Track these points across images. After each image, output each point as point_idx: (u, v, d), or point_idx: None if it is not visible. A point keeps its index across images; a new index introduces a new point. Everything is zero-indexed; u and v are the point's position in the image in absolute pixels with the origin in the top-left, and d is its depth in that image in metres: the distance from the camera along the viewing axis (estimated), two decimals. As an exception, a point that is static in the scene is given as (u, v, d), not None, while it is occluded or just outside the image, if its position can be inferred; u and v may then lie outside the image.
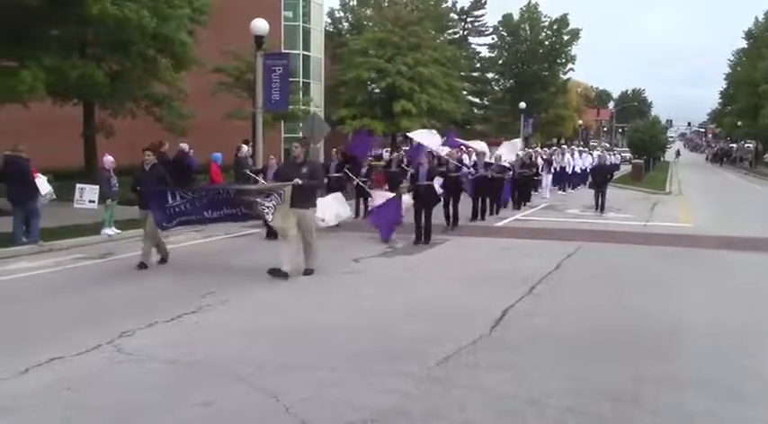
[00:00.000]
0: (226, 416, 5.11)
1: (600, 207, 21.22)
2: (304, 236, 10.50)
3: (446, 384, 5.81)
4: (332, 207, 13.79)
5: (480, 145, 22.19)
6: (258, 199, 10.19)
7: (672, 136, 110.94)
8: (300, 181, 10.18)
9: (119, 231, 14.19)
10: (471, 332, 7.33)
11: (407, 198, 14.63)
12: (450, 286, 10.13)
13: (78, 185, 14.85)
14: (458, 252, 13.66)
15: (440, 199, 14.75)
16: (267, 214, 10.13)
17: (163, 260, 11.45)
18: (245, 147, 18.40)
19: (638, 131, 53.88)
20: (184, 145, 18.62)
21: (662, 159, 67.43)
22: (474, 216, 18.41)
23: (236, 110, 30.57)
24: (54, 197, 14.20)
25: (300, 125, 34.96)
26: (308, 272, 10.49)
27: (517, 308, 8.60)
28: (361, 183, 18.08)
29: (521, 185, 22.92)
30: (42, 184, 13.49)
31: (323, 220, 12.75)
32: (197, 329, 7.56)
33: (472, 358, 6.53)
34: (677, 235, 16.30)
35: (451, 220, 16.64)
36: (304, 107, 36.74)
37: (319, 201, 12.69)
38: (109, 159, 15.04)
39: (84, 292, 9.33)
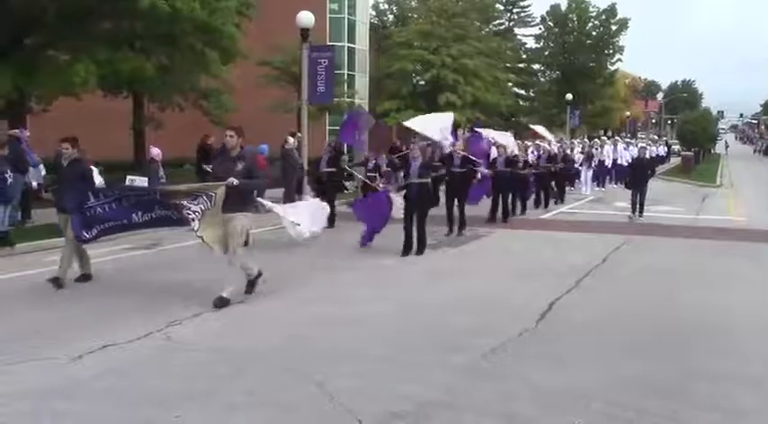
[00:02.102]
0: (273, 404, 5.17)
1: (639, 208, 17.73)
2: (227, 246, 8.25)
3: (492, 377, 5.80)
4: (307, 216, 11.54)
5: (505, 138, 20.50)
6: (184, 202, 8.09)
7: (723, 128, 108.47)
8: (236, 181, 8.05)
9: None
10: (517, 325, 7.30)
11: (398, 199, 12.23)
12: (496, 278, 10.09)
13: (128, 176, 15.13)
14: (503, 245, 13.59)
15: (436, 202, 12.47)
16: (193, 220, 7.98)
17: (85, 277, 9.37)
18: (291, 139, 18.53)
19: (688, 123, 52.86)
20: (230, 138, 18.81)
21: (712, 151, 66.03)
22: (492, 218, 16.30)
23: (281, 102, 30.79)
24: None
25: (345, 117, 35.06)
26: (219, 302, 7.97)
27: (564, 301, 8.53)
28: (366, 180, 16.12)
29: (548, 181, 20.73)
30: (94, 176, 13.76)
31: (297, 224, 10.55)
32: (244, 318, 7.66)
33: (518, 351, 6.51)
34: (728, 229, 15.96)
35: (458, 223, 14.39)
36: (349, 99, 36.85)
37: (295, 206, 11.15)
38: (156, 151, 15.29)
39: (133, 281, 9.51)
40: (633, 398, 5.35)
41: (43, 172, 15.48)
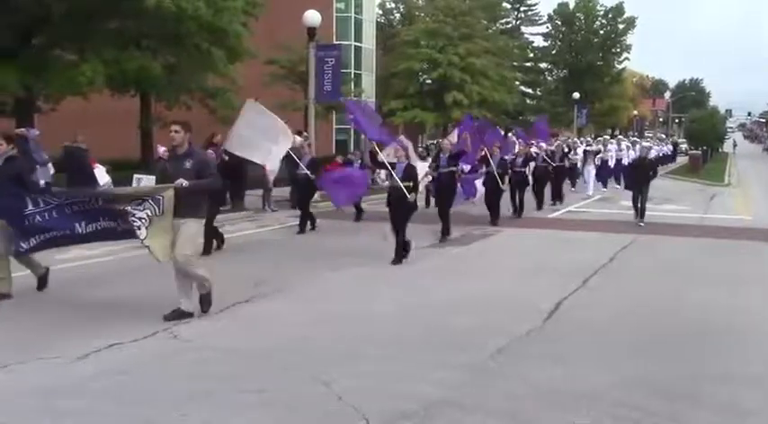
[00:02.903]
0: (278, 403, 5.16)
1: (640, 213, 16.23)
2: (176, 256, 7.31)
3: (498, 376, 5.78)
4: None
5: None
6: (129, 208, 7.22)
7: (731, 127, 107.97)
8: (185, 183, 7.23)
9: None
10: (524, 324, 7.28)
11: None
12: (503, 277, 10.07)
13: (135, 175, 15.12)
14: (510, 244, 13.57)
15: (416, 207, 11.42)
16: (139, 228, 7.15)
17: (42, 283, 8.71)
18: (297, 138, 18.52)
19: (695, 121, 52.68)
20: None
21: (720, 150, 65.79)
22: (493, 221, 15.59)
23: (288, 101, 30.79)
24: (112, 186, 14.52)
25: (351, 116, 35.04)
26: (174, 315, 7.31)
27: (571, 301, 8.50)
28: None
29: (543, 180, 19.71)
30: (101, 174, 13.81)
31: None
32: (250, 318, 7.66)
33: (525, 351, 6.49)
34: (736, 228, 15.89)
35: (441, 227, 13.42)
36: (355, 98, 36.81)
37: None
38: (163, 150, 15.28)
39: (139, 280, 9.50)
40: (640, 398, 5.32)
41: (52, 171, 15.56)
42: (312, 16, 18.65)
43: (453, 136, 16.13)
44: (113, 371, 5.76)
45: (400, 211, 11.10)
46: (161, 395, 5.26)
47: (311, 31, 18.72)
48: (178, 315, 7.29)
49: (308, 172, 14.41)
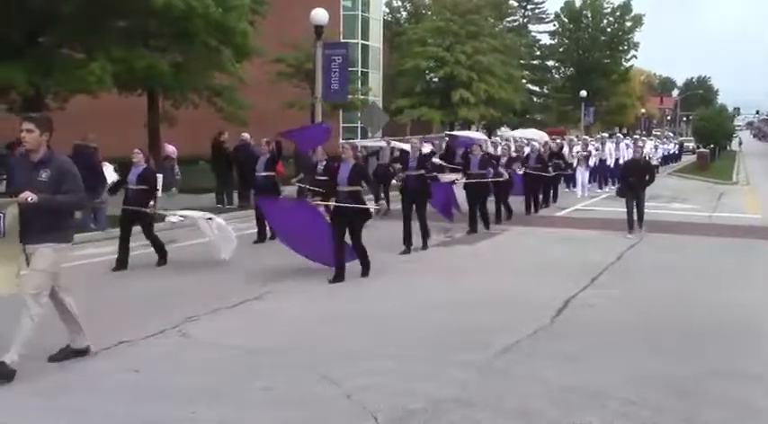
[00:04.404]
0: (287, 401, 5.18)
1: (638, 220, 14.14)
2: (26, 294, 5.59)
3: (506, 375, 5.78)
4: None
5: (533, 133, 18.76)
6: None
7: (739, 125, 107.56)
8: (33, 197, 5.46)
9: (182, 218, 14.25)
10: (532, 322, 7.27)
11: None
12: (510, 275, 10.07)
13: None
14: (517, 242, 13.55)
15: (369, 216, 10.19)
16: None
17: None
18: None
19: (703, 119, 52.49)
20: (246, 135, 18.83)
21: (728, 148, 65.54)
22: (471, 227, 14.02)
23: (295, 99, 30.82)
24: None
25: (359, 114, 35.08)
26: (63, 354, 5.98)
27: (579, 299, 8.49)
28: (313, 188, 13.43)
29: (538, 184, 18.40)
30: (109, 173, 13.83)
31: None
32: (258, 316, 7.68)
33: (533, 349, 6.48)
34: (744, 227, 15.83)
35: (420, 233, 12.19)
36: (362, 97, 36.84)
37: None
38: (171, 148, 15.29)
39: (148, 278, 9.55)
40: (648, 396, 5.31)
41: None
42: (319, 14, 18.63)
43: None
44: (123, 369, 5.79)
45: (343, 220, 9.59)
46: (170, 393, 5.29)
47: (318, 30, 18.71)
48: (68, 355, 5.99)
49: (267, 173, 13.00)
